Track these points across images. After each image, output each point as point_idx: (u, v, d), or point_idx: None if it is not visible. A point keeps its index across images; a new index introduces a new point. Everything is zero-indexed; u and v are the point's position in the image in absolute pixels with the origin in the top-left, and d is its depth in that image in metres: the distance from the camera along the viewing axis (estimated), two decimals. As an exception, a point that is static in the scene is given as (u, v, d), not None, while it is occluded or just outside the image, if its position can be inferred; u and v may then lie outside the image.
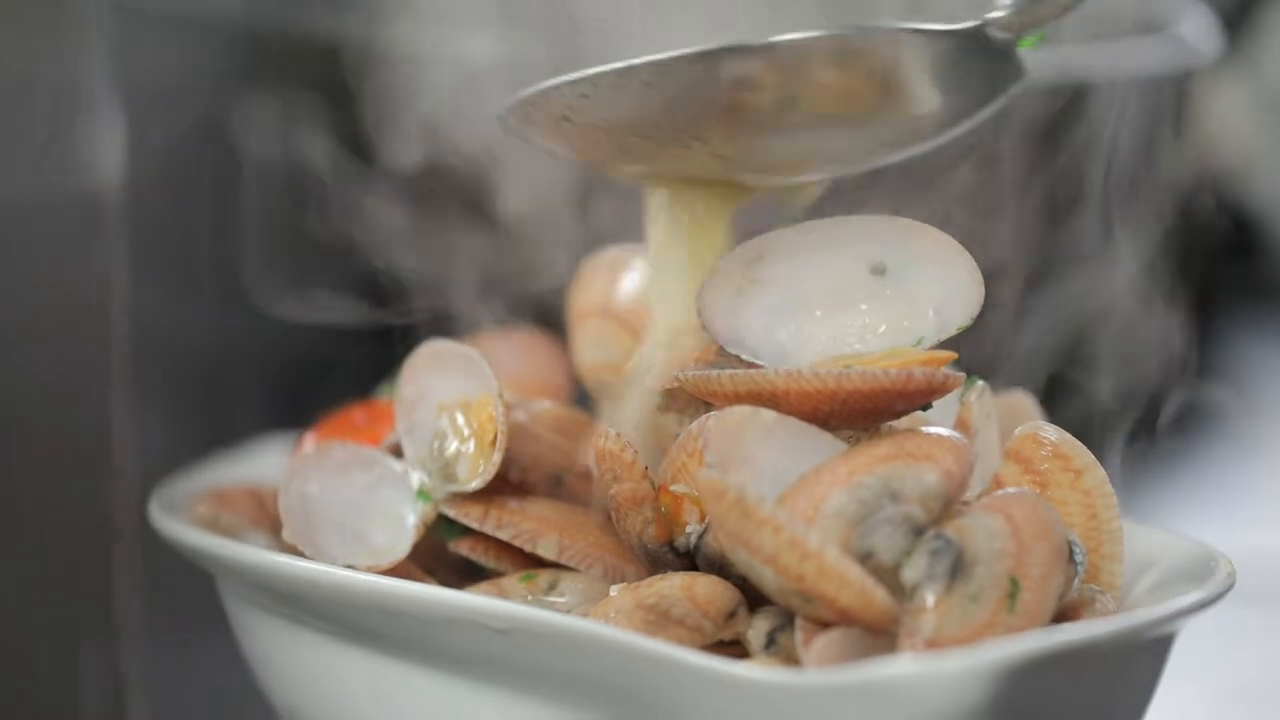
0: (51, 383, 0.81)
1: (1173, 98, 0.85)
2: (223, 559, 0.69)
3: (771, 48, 0.64)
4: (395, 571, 0.66)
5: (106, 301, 0.82)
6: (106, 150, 0.81)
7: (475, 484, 0.68)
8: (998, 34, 0.66)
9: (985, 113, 0.67)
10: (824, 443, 0.63)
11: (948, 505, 0.62)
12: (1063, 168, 0.86)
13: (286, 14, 0.92)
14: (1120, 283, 0.88)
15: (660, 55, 0.64)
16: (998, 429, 0.68)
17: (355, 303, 0.89)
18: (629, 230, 0.74)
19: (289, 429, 0.79)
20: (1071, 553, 0.63)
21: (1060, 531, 0.62)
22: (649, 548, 0.65)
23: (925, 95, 0.66)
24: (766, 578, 0.59)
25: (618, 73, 0.65)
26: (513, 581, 0.67)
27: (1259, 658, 0.98)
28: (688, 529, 0.64)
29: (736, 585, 0.63)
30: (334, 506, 0.69)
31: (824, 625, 0.60)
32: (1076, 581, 0.63)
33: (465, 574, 0.69)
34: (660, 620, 0.62)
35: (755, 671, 0.58)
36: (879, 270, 0.67)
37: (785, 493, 0.62)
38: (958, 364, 0.66)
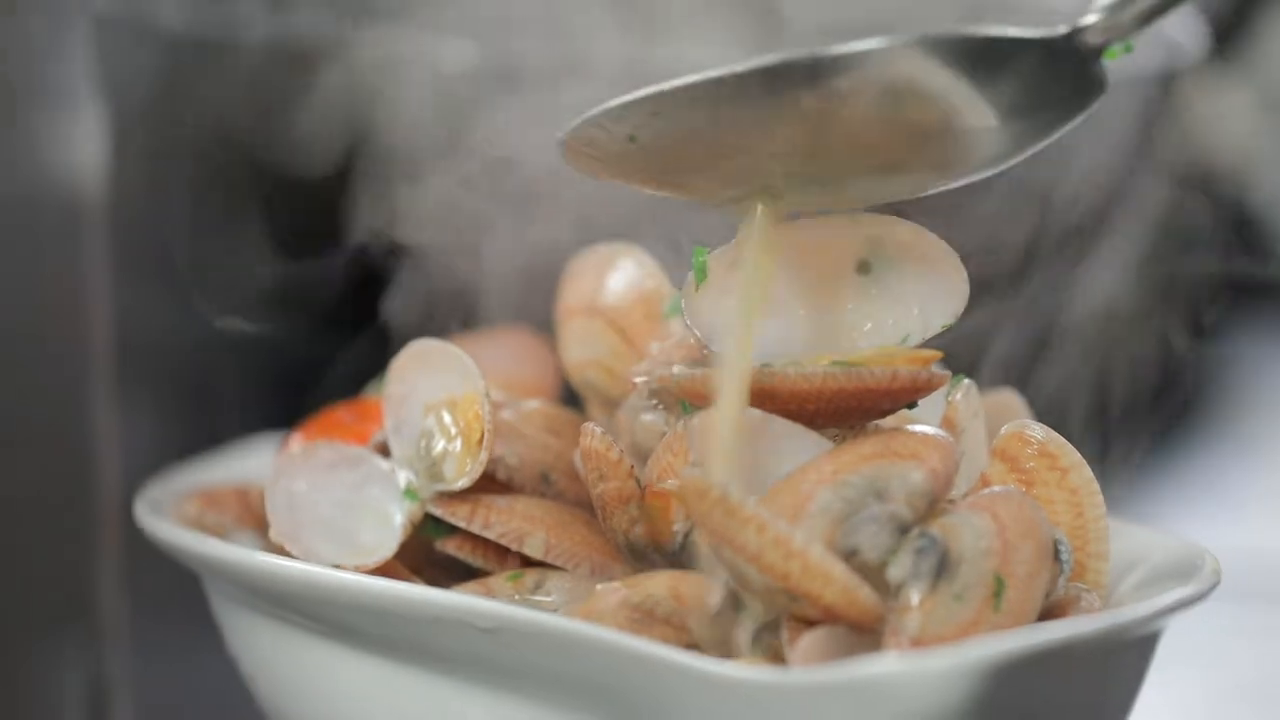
0: (29, 382, 0.81)
1: (1159, 98, 0.85)
2: (209, 558, 0.69)
3: (856, 56, 0.61)
4: (382, 571, 0.66)
5: (86, 300, 0.82)
6: (87, 149, 0.80)
7: (462, 483, 0.68)
8: (1087, 43, 0.63)
9: (1066, 128, 0.64)
10: (809, 441, 0.63)
11: (933, 504, 0.62)
12: (1048, 166, 0.86)
13: (265, 19, 0.92)
14: (1107, 283, 0.88)
15: (738, 67, 0.61)
16: (985, 427, 0.68)
17: (341, 301, 0.89)
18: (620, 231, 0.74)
19: (277, 428, 0.79)
20: (1057, 551, 0.63)
21: (1046, 530, 0.62)
22: (635, 546, 0.65)
23: (1011, 108, 0.63)
24: (751, 576, 0.59)
25: (691, 86, 0.62)
26: (500, 581, 0.67)
27: (1259, 655, 0.98)
28: (675, 528, 0.65)
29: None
30: (321, 505, 0.69)
31: (809, 624, 0.60)
32: (1062, 580, 0.63)
33: (453, 573, 0.69)
34: (646, 619, 0.62)
35: (740, 670, 0.58)
36: (864, 269, 0.67)
37: (770, 491, 0.62)
38: (944, 362, 0.66)
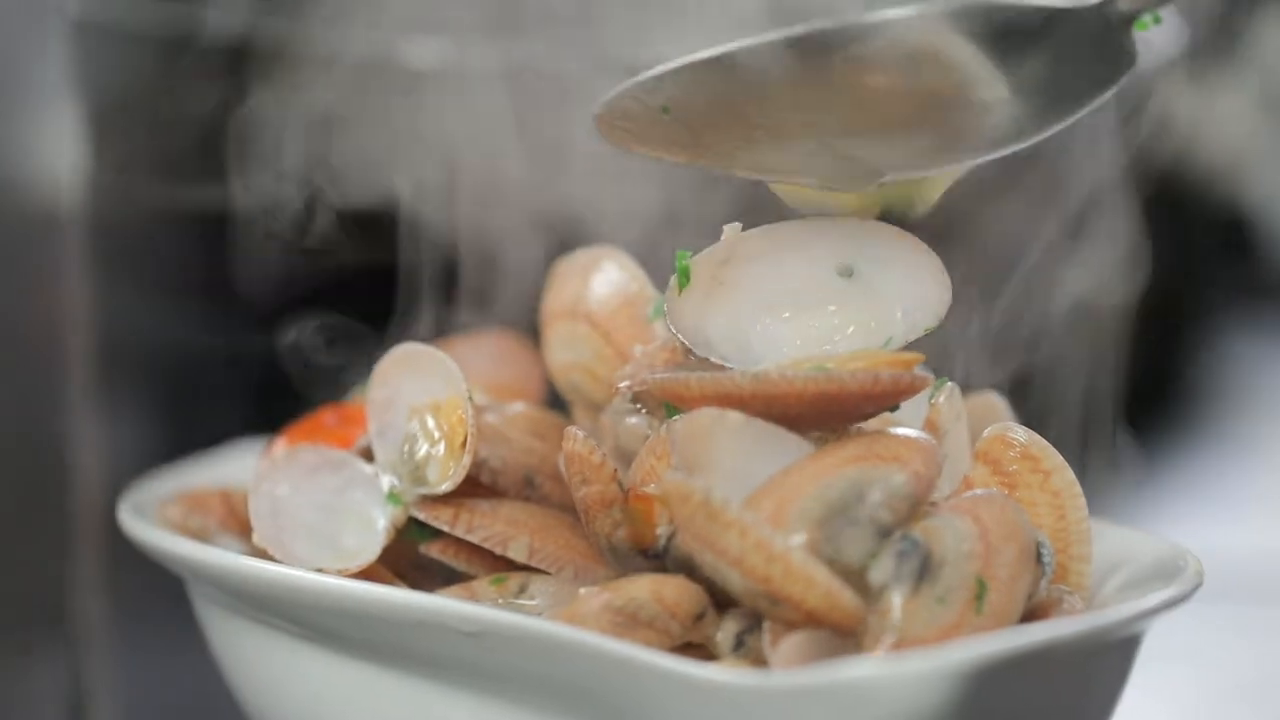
0: (4, 386, 0.81)
1: (1140, 95, 0.85)
2: (192, 562, 0.69)
3: (887, 24, 0.61)
4: (365, 575, 0.66)
5: (64, 303, 0.81)
6: (64, 151, 0.80)
7: (445, 486, 0.68)
8: (1119, 12, 0.63)
9: (1095, 103, 0.63)
10: (792, 444, 0.63)
11: (915, 507, 0.62)
12: (1031, 165, 0.86)
13: (251, 22, 0.92)
14: (1089, 281, 0.88)
15: (770, 35, 0.62)
16: (968, 430, 0.68)
17: (327, 303, 0.89)
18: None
19: (261, 432, 0.78)
20: (1039, 553, 0.63)
21: (1028, 533, 0.62)
22: (618, 550, 0.65)
23: (1040, 81, 0.62)
24: (733, 580, 0.59)
25: (724, 56, 0.62)
26: (483, 584, 0.67)
27: (1257, 655, 0.98)
28: (658, 531, 0.65)
29: (705, 587, 0.63)
30: (304, 510, 0.69)
31: (791, 627, 0.60)
32: (1044, 582, 0.63)
33: (436, 577, 0.69)
34: (629, 623, 0.62)
35: (723, 674, 0.58)
36: (846, 272, 0.67)
37: (752, 495, 0.62)
38: (927, 365, 0.66)
